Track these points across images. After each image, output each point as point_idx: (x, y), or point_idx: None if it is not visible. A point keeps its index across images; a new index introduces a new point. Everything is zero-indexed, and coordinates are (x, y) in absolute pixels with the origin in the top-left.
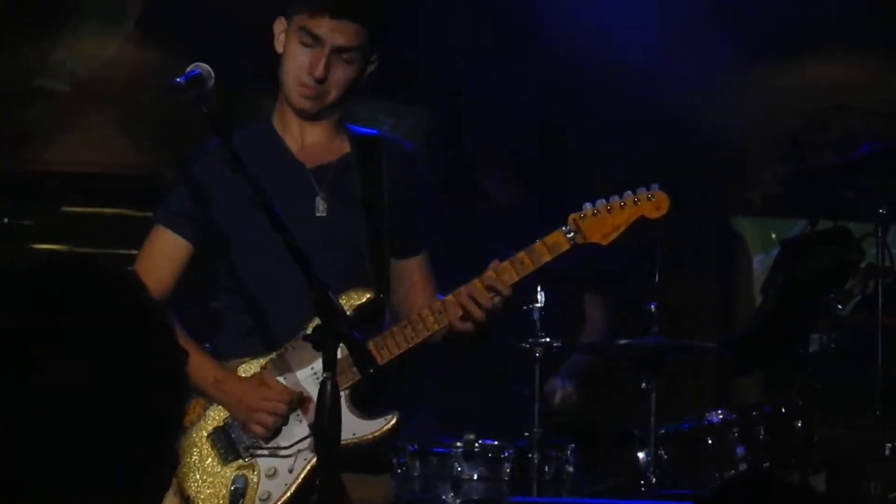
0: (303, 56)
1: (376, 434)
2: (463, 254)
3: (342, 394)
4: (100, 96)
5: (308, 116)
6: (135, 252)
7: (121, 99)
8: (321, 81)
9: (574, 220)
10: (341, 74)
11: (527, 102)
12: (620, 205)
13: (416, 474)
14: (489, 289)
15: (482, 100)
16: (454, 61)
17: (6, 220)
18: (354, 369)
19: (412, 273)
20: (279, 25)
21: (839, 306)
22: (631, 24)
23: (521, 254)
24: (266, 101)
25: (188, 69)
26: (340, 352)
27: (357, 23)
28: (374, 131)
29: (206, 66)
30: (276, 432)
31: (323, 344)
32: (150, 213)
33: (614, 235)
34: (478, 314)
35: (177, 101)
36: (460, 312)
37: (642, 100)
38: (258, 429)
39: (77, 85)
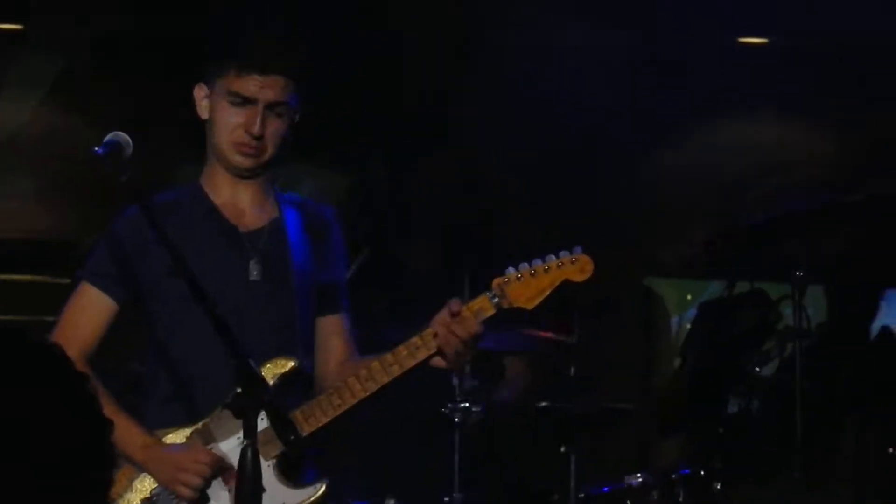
0: (235, 116)
1: (305, 502)
2: (378, 322)
3: (270, 463)
4: (14, 162)
5: (246, 175)
6: (49, 319)
7: (35, 165)
8: (259, 138)
9: (498, 284)
10: (275, 128)
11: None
12: (544, 268)
13: None
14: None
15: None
16: (363, 131)
17: None
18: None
19: (333, 331)
20: (200, 91)
21: (757, 368)
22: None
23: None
24: (184, 166)
25: (106, 138)
26: (264, 421)
27: (284, 76)
28: (297, 196)
29: (123, 135)
30: (205, 502)
31: (243, 412)
32: (65, 280)
33: (539, 299)
34: (456, 345)
35: (95, 169)
36: (421, 357)
37: (564, 168)
38: (184, 490)
39: None
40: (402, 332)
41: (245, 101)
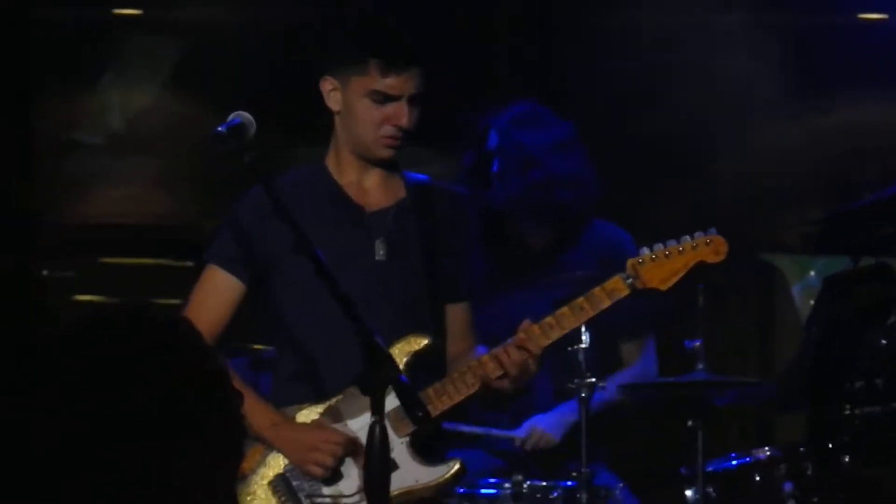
0: (379, 113)
1: (440, 481)
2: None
3: (403, 440)
4: (137, 147)
5: (386, 163)
6: (175, 302)
7: (158, 149)
8: (406, 130)
9: (632, 265)
10: (415, 117)
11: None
12: (678, 249)
13: None
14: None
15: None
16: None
17: (46, 272)
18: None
19: (453, 319)
20: (327, 84)
21: (883, 342)
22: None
23: (581, 299)
24: (303, 148)
25: (229, 118)
26: (394, 398)
27: (419, 66)
28: (426, 177)
29: (247, 115)
30: (337, 479)
31: (371, 390)
32: (187, 263)
33: (673, 280)
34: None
35: (218, 150)
36: (499, 371)
37: (680, 144)
38: (316, 469)
39: (113, 136)
40: None
41: (388, 99)
